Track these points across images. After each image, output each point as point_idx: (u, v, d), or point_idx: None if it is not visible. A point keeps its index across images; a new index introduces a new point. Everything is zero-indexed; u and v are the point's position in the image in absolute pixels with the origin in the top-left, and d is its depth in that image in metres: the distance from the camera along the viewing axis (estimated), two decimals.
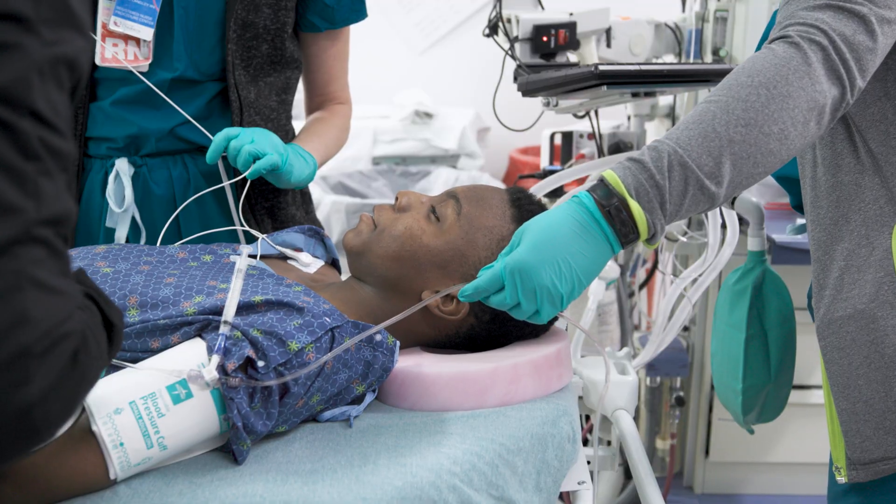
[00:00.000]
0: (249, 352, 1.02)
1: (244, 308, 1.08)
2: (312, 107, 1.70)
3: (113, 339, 0.81)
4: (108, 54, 1.45)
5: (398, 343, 1.16)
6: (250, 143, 1.40)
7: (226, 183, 1.51)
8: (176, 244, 1.36)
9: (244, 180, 1.43)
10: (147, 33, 1.45)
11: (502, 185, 1.53)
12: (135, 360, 1.06)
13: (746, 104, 1.00)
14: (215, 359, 1.00)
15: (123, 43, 1.46)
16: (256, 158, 1.39)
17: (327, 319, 1.10)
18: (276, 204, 1.60)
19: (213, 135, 1.44)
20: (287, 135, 1.62)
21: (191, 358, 1.03)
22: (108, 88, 1.51)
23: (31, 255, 0.66)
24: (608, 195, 1.02)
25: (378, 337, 1.14)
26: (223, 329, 1.03)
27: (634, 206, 1.01)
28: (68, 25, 0.72)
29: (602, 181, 1.03)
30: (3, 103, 0.65)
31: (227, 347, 1.02)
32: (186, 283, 1.16)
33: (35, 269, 0.66)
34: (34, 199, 0.66)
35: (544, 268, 1.04)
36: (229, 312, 1.04)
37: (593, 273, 1.05)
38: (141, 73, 1.46)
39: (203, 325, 1.07)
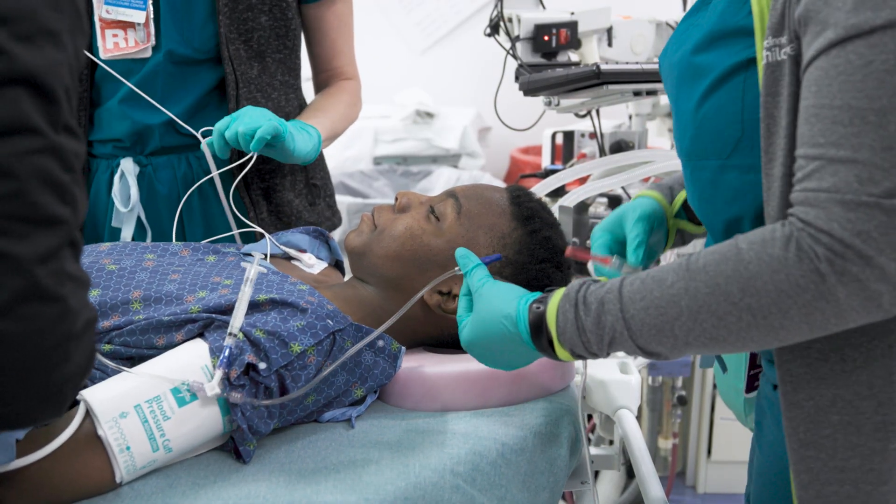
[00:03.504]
0: (250, 357, 1.02)
1: (248, 307, 1.08)
2: (319, 84, 1.67)
3: None
4: (110, 45, 1.45)
5: (403, 349, 1.17)
6: (240, 123, 1.33)
7: (215, 173, 1.46)
8: (179, 243, 1.36)
9: (246, 162, 1.39)
10: (139, 16, 1.44)
11: (503, 185, 1.52)
12: (139, 357, 1.07)
13: (721, 322, 0.82)
14: (219, 373, 1.00)
15: (122, 32, 1.46)
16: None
17: (330, 322, 1.10)
18: (272, 186, 1.57)
19: (212, 123, 1.41)
20: (288, 117, 1.57)
21: (193, 360, 1.03)
22: (110, 89, 1.51)
23: (68, 255, 0.75)
24: (542, 328, 0.95)
25: (380, 342, 1.14)
26: (229, 341, 1.03)
27: (563, 353, 0.95)
28: (80, 31, 0.77)
29: (544, 314, 0.95)
30: (49, 124, 0.72)
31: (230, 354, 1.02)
32: (191, 279, 1.17)
33: (69, 264, 0.75)
34: (72, 207, 0.75)
35: (486, 358, 1.03)
36: (236, 323, 1.04)
37: (530, 361, 1.03)
38: (143, 57, 1.46)
39: (206, 323, 1.07)
